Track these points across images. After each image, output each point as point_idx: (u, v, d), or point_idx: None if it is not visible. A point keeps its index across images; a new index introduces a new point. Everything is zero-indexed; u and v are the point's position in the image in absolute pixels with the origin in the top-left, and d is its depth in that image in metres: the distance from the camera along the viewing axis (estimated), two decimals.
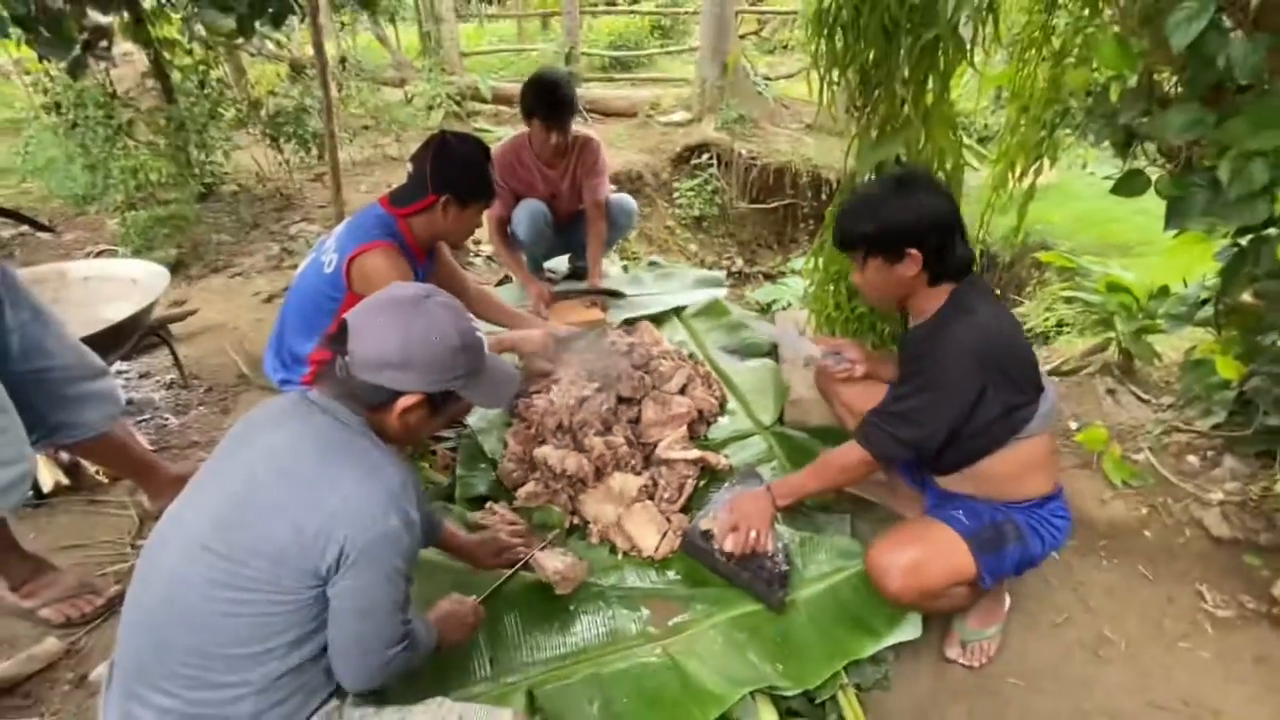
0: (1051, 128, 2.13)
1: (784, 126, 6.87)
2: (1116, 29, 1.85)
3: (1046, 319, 4.13)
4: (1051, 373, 2.93)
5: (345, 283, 1.91)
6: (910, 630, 1.65)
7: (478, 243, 4.01)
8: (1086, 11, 1.97)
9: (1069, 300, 3.38)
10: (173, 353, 2.74)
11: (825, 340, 2.06)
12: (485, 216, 3.09)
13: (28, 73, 3.90)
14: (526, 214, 3.03)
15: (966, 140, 2.51)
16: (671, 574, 1.83)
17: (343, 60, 5.30)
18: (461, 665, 1.56)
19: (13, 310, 1.59)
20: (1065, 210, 5.15)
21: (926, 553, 1.56)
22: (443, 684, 1.49)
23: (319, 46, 3.01)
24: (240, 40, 4.15)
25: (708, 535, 1.80)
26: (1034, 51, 2.20)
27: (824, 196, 6.15)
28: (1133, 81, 1.85)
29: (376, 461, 1.07)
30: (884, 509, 2.06)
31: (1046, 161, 2.34)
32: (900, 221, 1.51)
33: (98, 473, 2.22)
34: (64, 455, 2.25)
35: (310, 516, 1.00)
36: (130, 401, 2.62)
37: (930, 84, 1.95)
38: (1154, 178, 1.86)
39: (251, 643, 1.01)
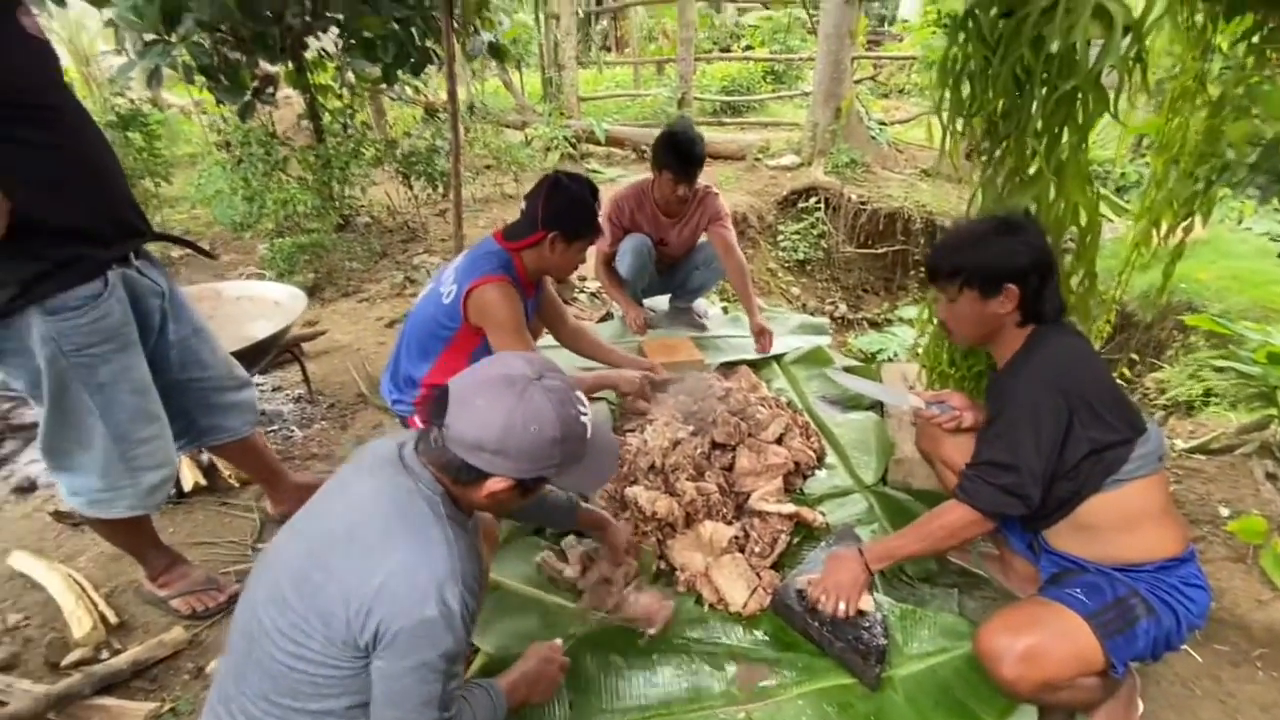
0: (1207, 183, 1.95)
1: (897, 171, 6.69)
2: None
3: (1191, 387, 3.73)
4: (1198, 449, 2.63)
5: (462, 313, 2.02)
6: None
7: (583, 279, 4.13)
8: (1250, 60, 1.81)
9: (1220, 369, 3.04)
10: (303, 370, 2.97)
11: (929, 393, 1.96)
12: (591, 251, 3.21)
13: (205, 113, 4.42)
14: (631, 248, 3.11)
15: (1103, 190, 2.35)
16: (760, 633, 1.76)
17: (471, 107, 5.69)
18: (538, 711, 1.55)
19: (175, 325, 1.77)
20: (1216, 269, 4.67)
21: (1046, 637, 1.41)
22: None
23: (453, 94, 3.25)
24: (383, 86, 4.55)
25: (801, 596, 1.73)
26: (1186, 101, 2.04)
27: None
28: None
29: (432, 543, 1.04)
30: (995, 585, 1.90)
31: (1197, 218, 2.14)
32: (1005, 256, 1.51)
33: (229, 476, 2.43)
34: (203, 457, 2.48)
35: (357, 588, 0.99)
36: (262, 412, 2.85)
37: (1065, 136, 1.84)
38: None
39: (310, 700, 1.03)
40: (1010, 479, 1.46)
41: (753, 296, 3.06)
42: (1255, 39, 1.89)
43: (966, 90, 1.94)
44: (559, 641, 1.47)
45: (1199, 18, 1.98)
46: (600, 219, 3.16)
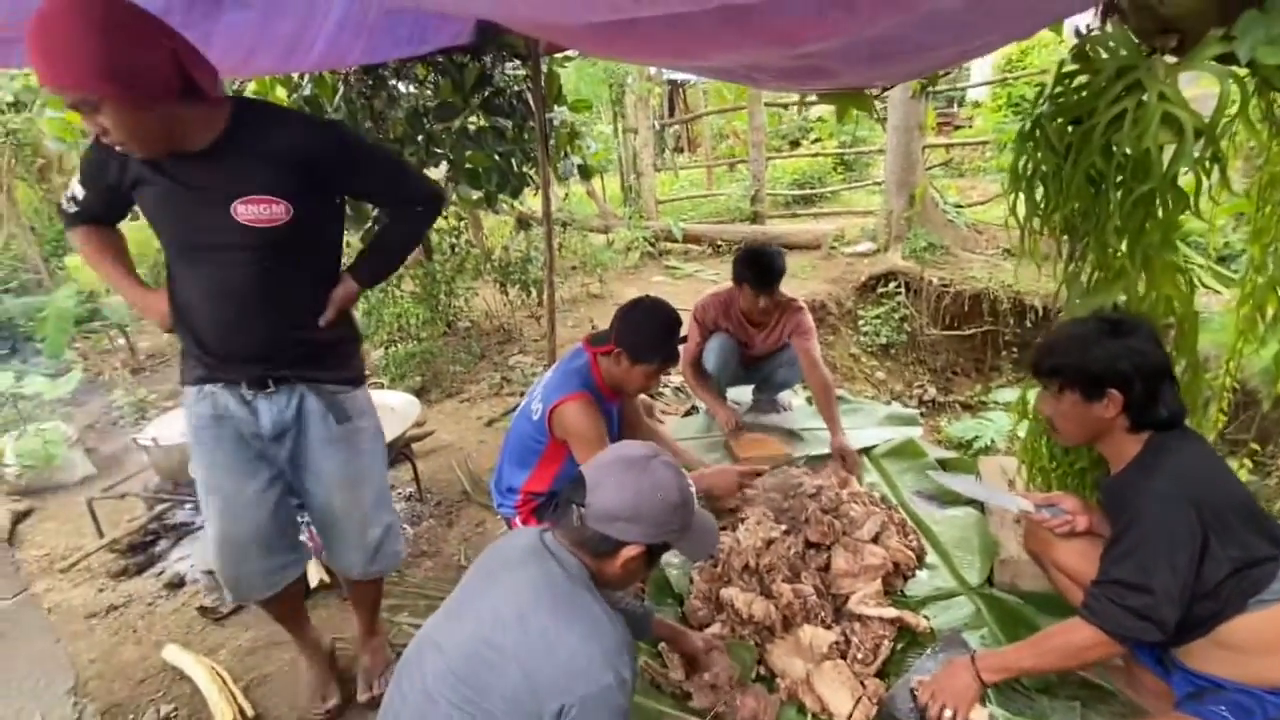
0: None
1: (978, 252, 6.64)
2: None
3: None
4: None
5: (548, 429, 2.20)
6: None
7: (668, 372, 4.29)
8: None
9: None
10: (414, 469, 3.20)
11: (1037, 495, 1.92)
12: (683, 349, 3.36)
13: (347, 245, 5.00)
14: (717, 346, 3.24)
15: (1202, 260, 2.28)
16: None
17: (564, 225, 6.17)
18: None
19: (308, 456, 1.83)
20: None
21: None
22: None
23: (548, 215, 3.57)
24: (485, 208, 5.04)
25: (912, 707, 1.68)
26: (1274, 188, 2.02)
27: (1028, 322, 5.77)
28: None
29: (598, 619, 1.18)
30: (1122, 699, 1.78)
31: None
32: (1108, 361, 1.48)
33: None
34: (324, 555, 2.69)
35: (540, 668, 1.12)
36: None
37: (1149, 233, 1.86)
38: None
39: None
40: (1142, 601, 1.38)
41: (837, 414, 3.02)
42: None
43: (1041, 193, 2.01)
44: None
45: (1278, 109, 1.99)
46: (688, 322, 3.36)
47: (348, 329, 1.82)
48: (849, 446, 2.93)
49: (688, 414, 3.76)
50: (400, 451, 3.27)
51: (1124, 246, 1.86)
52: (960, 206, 7.01)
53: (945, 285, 6.12)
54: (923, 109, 6.49)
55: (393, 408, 3.08)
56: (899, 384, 5.97)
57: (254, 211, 1.52)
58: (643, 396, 2.95)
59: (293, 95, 3.78)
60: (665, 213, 8.20)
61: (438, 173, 4.53)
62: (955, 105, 12.55)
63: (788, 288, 3.29)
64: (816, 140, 11.37)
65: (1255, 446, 3.86)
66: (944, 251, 6.53)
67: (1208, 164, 1.70)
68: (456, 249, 4.38)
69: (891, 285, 6.15)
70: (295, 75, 3.84)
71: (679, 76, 13.55)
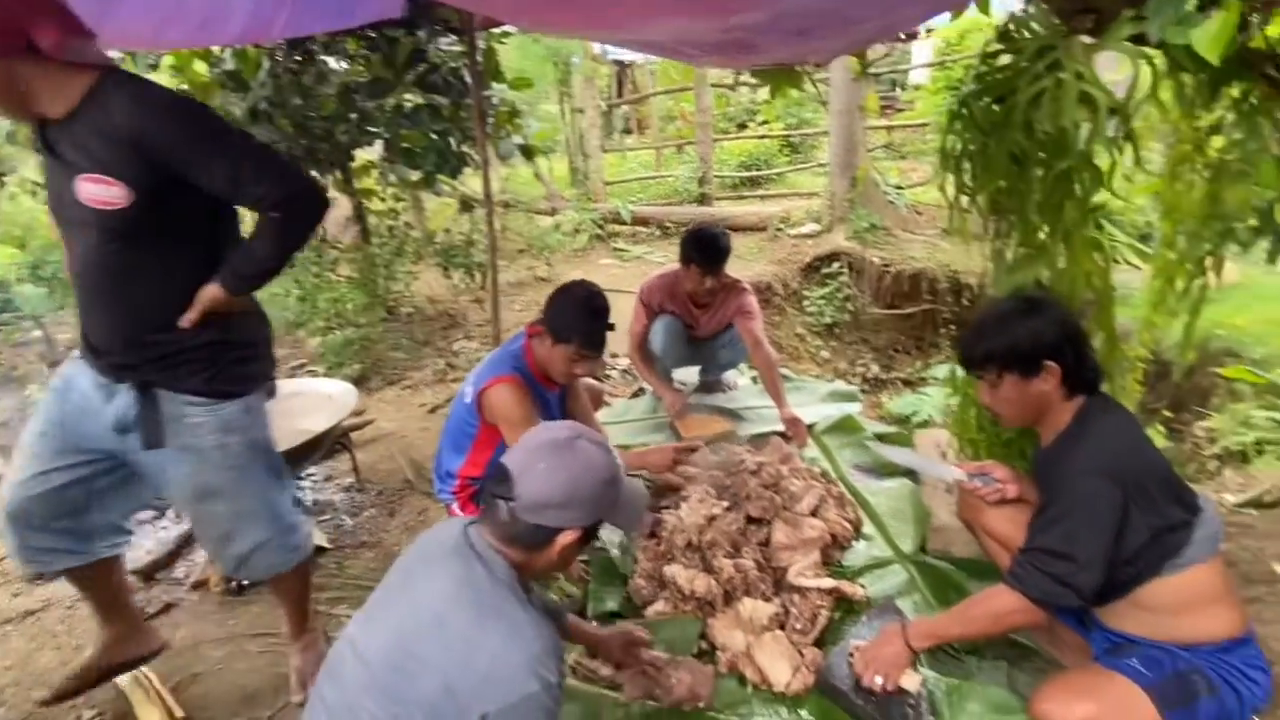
0: (1214, 245, 2.00)
1: (918, 233, 6.81)
2: (1273, 146, 1.76)
3: (1243, 435, 3.64)
4: (1249, 504, 2.56)
5: (479, 413, 2.17)
6: None
7: (615, 355, 4.27)
8: (1240, 131, 1.89)
9: (1276, 421, 2.98)
10: (353, 459, 3.12)
11: (969, 464, 1.98)
12: (629, 332, 3.36)
13: None
14: (663, 328, 3.24)
15: (1124, 238, 2.39)
16: (804, 713, 1.75)
17: (507, 204, 6.05)
18: None
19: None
20: (1253, 313, 4.61)
21: (1104, 707, 1.39)
22: None
23: (488, 195, 3.50)
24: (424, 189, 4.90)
25: (845, 674, 1.73)
26: (1185, 166, 2.12)
27: (965, 301, 5.96)
28: None
29: (521, 623, 1.12)
30: (1045, 656, 1.87)
31: (1231, 261, 2.18)
32: (1037, 334, 1.52)
33: None
34: None
35: (461, 676, 1.07)
36: (314, 502, 2.99)
37: (1068, 210, 1.93)
38: None
39: None
40: (1065, 568, 1.43)
41: (782, 390, 3.09)
42: (1246, 107, 1.98)
43: (968, 171, 2.06)
44: None
45: (1188, 91, 2.08)
46: (634, 305, 3.34)
47: (222, 333, 1.59)
48: (797, 416, 2.99)
49: (635, 396, 3.77)
50: (338, 441, 3.18)
51: (1045, 224, 1.92)
52: (900, 188, 7.16)
53: (886, 265, 6.26)
54: (864, 92, 6.58)
55: (329, 395, 2.99)
56: (843, 362, 6.10)
57: (92, 190, 1.41)
58: (591, 383, 2.93)
59: (213, 70, 3.59)
60: (613, 194, 8.13)
61: (373, 152, 4.39)
62: (897, 89, 12.77)
63: (735, 269, 3.31)
64: (764, 123, 11.43)
65: (1168, 414, 4.09)
66: (885, 232, 6.67)
67: (1121, 142, 1.77)
68: (395, 231, 4.25)
69: (835, 266, 6.26)
70: (216, 49, 3.64)
71: (626, 57, 13.42)
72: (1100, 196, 1.93)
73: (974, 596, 1.65)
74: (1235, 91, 1.99)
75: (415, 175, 4.39)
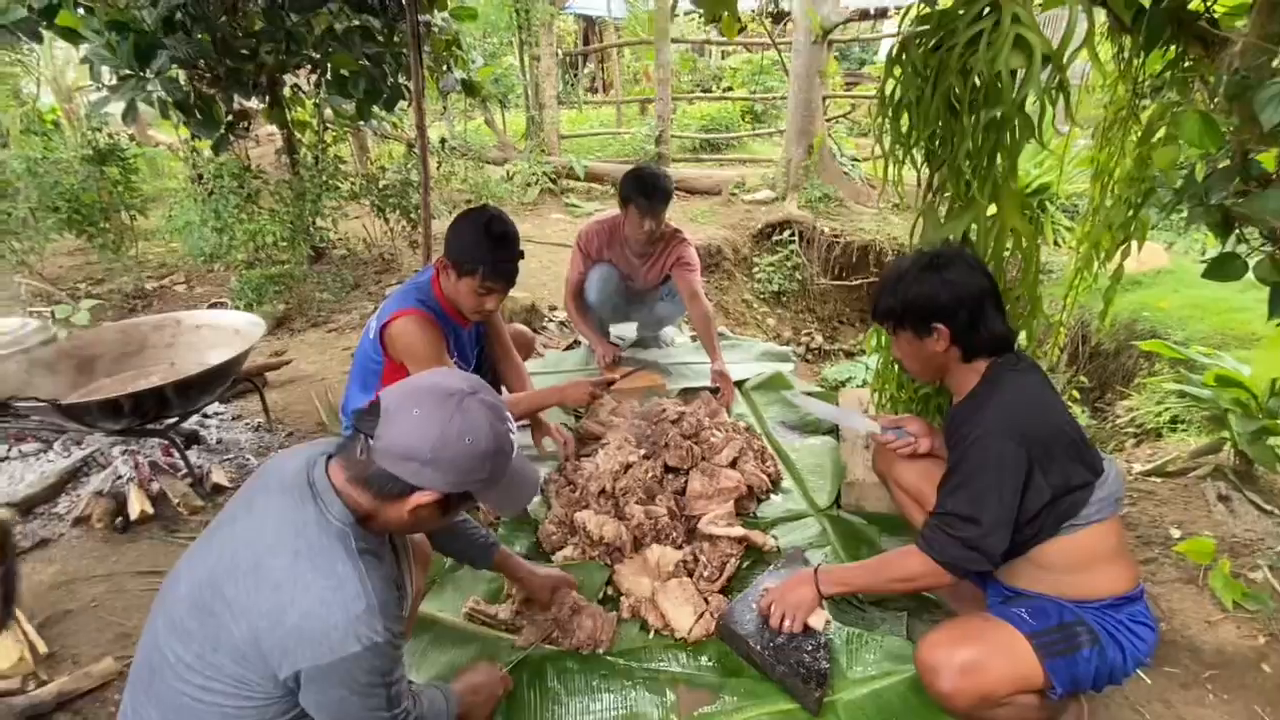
0: (1137, 207, 2.00)
1: (870, 206, 6.82)
2: (1204, 107, 1.74)
3: (1159, 414, 3.77)
4: (1153, 472, 2.64)
5: (382, 347, 2.04)
6: None
7: (553, 308, 4.16)
8: (1173, 92, 1.88)
9: (1179, 394, 3.07)
10: (262, 399, 2.95)
11: (886, 417, 1.97)
12: (565, 280, 3.24)
13: (196, 151, 4.47)
14: (599, 277, 3.13)
15: (1055, 218, 2.40)
16: (704, 659, 1.73)
17: (443, 141, 5.79)
18: None
19: None
20: (1179, 298, 4.75)
21: (986, 651, 1.40)
22: None
23: (421, 128, 3.31)
24: (361, 122, 4.64)
25: (747, 620, 1.71)
26: (1118, 128, 2.11)
27: None
28: (1225, 161, 1.72)
29: (345, 580, 0.99)
30: (945, 609, 1.88)
31: (1161, 247, 2.21)
32: (929, 296, 1.51)
33: (178, 505, 2.39)
34: (153, 486, 2.44)
35: (269, 630, 0.96)
36: (219, 440, 2.83)
37: (998, 162, 1.89)
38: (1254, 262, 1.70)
39: None
40: (972, 532, 1.43)
41: (717, 345, 3.02)
42: (1178, 69, 1.97)
43: (906, 122, 2.00)
44: (500, 665, 1.45)
45: (1125, 52, 2.06)
46: (571, 251, 3.22)
47: None
48: (727, 372, 2.94)
49: (569, 348, 3.67)
50: (249, 379, 3.01)
51: (974, 175, 1.88)
52: (856, 160, 7.14)
53: (836, 236, 6.26)
54: (824, 56, 6.50)
55: (236, 329, 2.80)
56: (788, 330, 6.11)
57: None
58: (522, 329, 2.82)
59: None
60: (569, 149, 7.90)
61: (303, 78, 4.11)
62: (864, 66, 12.74)
63: (686, 232, 3.20)
64: (728, 89, 11.26)
65: (1083, 379, 4.20)
66: (838, 204, 6.66)
67: (1054, 91, 1.73)
68: (322, 163, 4.00)
69: (786, 234, 6.23)
70: None
71: (591, 12, 13.00)
72: (1041, 177, 1.90)
73: (886, 555, 1.65)
74: (1170, 53, 1.98)
75: (348, 105, 4.15)
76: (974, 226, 1.96)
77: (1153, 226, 2.42)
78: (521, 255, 2.03)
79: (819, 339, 6.20)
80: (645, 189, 2.88)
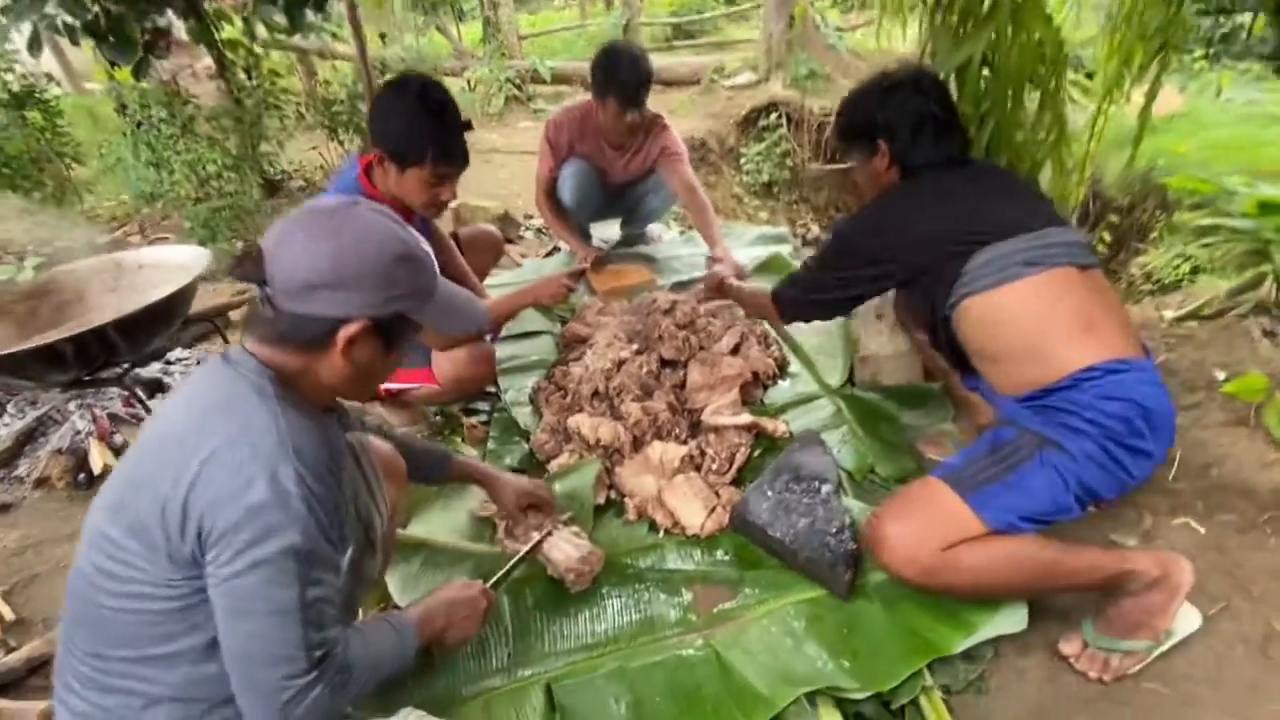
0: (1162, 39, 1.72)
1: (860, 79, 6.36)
2: None
3: (1178, 266, 3.55)
4: (1188, 316, 2.44)
5: None
6: (1013, 621, 1.33)
7: (529, 217, 3.88)
8: None
9: (1208, 231, 2.82)
10: (225, 340, 2.75)
11: None
12: (535, 177, 2.95)
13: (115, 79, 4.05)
14: (572, 175, 2.84)
15: (1072, 75, 2.12)
16: (720, 554, 1.59)
17: (382, 35, 5.30)
18: (477, 655, 1.39)
19: None
20: (1196, 140, 4.43)
21: (906, 511, 1.26)
22: (454, 676, 1.34)
23: (355, 25, 2.94)
24: (299, 36, 4.20)
25: (763, 509, 1.55)
26: None
27: None
28: None
29: (255, 417, 0.85)
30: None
31: (1175, 89, 1.94)
32: (870, 113, 1.51)
33: None
34: (116, 439, 2.27)
35: (171, 488, 0.82)
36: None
37: None
38: None
39: (149, 644, 0.85)
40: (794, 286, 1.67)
41: (717, 233, 2.74)
42: None
43: None
44: (479, 582, 1.28)
45: None
46: (539, 143, 2.92)
47: None
48: (734, 258, 2.67)
49: (549, 255, 3.42)
50: (208, 320, 2.79)
51: None
52: (842, 30, 6.61)
53: (826, 115, 5.84)
54: None
55: (182, 265, 2.55)
56: (782, 223, 5.81)
57: None
58: (489, 229, 2.56)
59: None
60: (531, 51, 7.34)
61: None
62: None
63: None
64: None
65: (1105, 236, 3.97)
66: (826, 80, 6.19)
67: None
68: (257, 79, 3.62)
69: (773, 118, 5.82)
70: None
71: None
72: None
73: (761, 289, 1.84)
74: None
75: (280, 17, 3.72)
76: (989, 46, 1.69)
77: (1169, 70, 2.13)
78: (468, 125, 1.75)
79: (815, 229, 5.90)
80: (624, 77, 2.51)
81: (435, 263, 1.01)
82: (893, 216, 1.46)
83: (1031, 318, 1.29)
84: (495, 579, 1.35)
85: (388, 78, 2.16)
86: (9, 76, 3.96)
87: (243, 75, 3.80)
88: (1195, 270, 3.43)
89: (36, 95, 4.00)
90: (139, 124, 3.43)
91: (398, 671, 1.00)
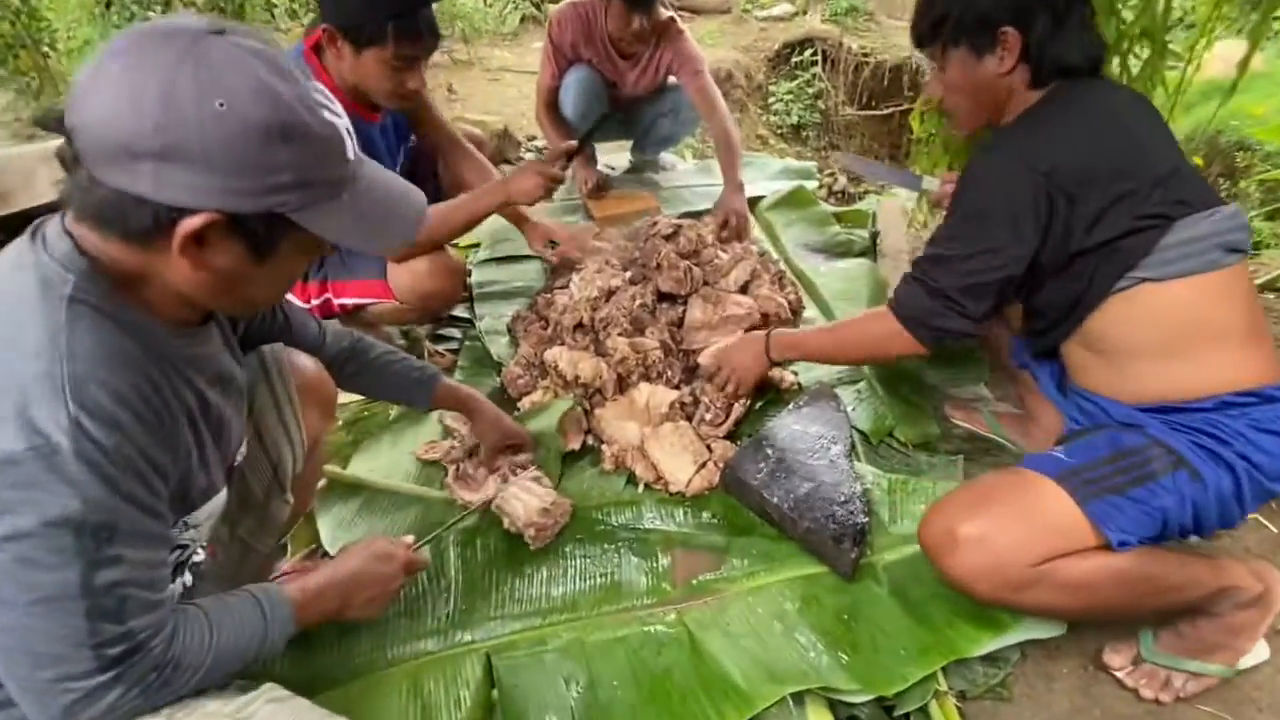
0: None
1: (904, 19, 5.87)
2: None
3: None
4: (1263, 288, 2.15)
5: None
6: (1049, 625, 1.11)
7: (532, 138, 3.56)
8: None
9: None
10: None
11: (948, 174, 1.52)
12: (536, 86, 2.64)
13: None
14: (576, 83, 2.52)
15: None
16: (706, 516, 1.36)
17: None
18: (411, 611, 1.18)
19: None
20: (1275, 101, 4.03)
21: (999, 521, 0.98)
22: (380, 636, 1.13)
23: None
24: None
25: (758, 468, 1.32)
26: None
27: None
28: None
29: (21, 326, 0.61)
30: (1014, 450, 1.49)
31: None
32: None
33: None
34: None
35: None
36: None
37: None
38: None
39: None
40: (947, 280, 1.11)
41: (738, 163, 2.37)
42: None
43: None
44: (409, 537, 1.06)
45: None
46: (542, 45, 2.60)
47: None
48: (740, 206, 2.29)
49: None
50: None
51: None
52: None
53: (865, 55, 5.40)
54: None
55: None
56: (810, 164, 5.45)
57: None
58: (471, 130, 2.27)
59: None
60: None
61: None
62: None
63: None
64: None
65: None
66: (868, 17, 5.73)
67: None
68: None
69: (808, 53, 5.38)
70: None
71: None
72: None
73: (854, 316, 1.44)
74: None
75: None
76: None
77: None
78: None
79: (843, 180, 5.53)
80: None
81: (348, 143, 0.70)
82: (1065, 142, 1.05)
83: (1200, 317, 1.01)
84: (427, 538, 1.12)
85: None
86: None
87: None
88: (1258, 244, 3.11)
89: None
90: (108, 4, 3.12)
91: (262, 659, 0.77)
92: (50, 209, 0.69)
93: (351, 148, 0.70)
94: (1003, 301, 1.14)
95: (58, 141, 0.65)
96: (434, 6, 1.50)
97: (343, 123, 0.69)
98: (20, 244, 0.66)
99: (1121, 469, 0.99)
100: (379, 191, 0.75)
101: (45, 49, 3.98)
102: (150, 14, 3.16)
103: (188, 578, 0.80)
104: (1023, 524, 0.97)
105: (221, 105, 0.59)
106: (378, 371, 1.20)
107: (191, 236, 0.62)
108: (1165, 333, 1.03)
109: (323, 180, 0.67)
